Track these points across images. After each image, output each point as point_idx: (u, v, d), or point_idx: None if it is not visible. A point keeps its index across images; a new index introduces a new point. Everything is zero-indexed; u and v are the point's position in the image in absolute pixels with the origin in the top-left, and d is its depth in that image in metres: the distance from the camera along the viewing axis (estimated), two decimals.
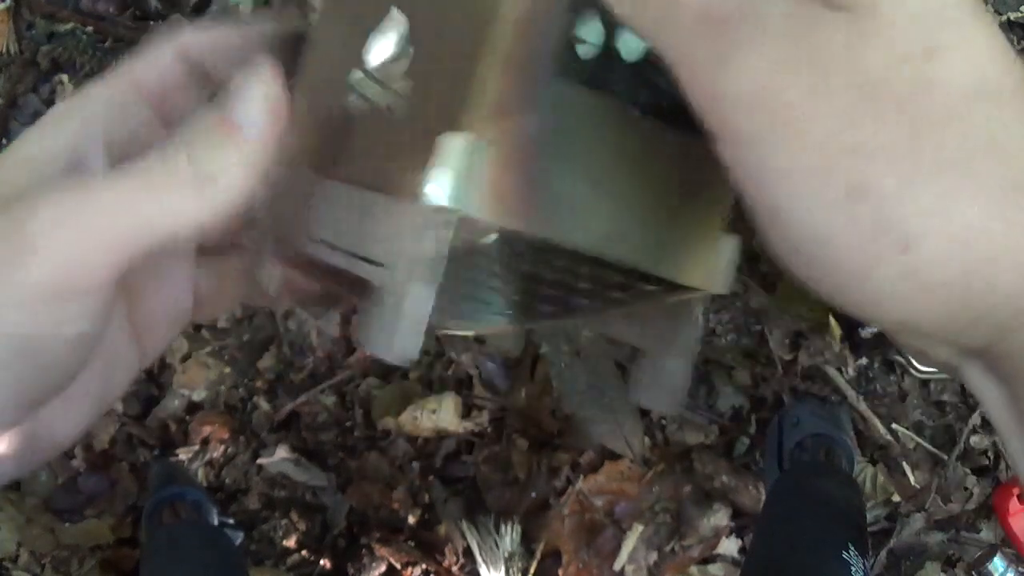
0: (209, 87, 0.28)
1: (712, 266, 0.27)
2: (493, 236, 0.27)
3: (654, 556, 1.23)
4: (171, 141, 0.23)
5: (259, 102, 0.23)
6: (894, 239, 0.18)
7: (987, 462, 1.27)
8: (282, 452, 1.25)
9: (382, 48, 0.25)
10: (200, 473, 1.26)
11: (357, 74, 0.25)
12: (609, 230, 0.24)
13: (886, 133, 0.18)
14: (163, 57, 0.28)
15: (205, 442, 1.27)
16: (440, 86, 0.23)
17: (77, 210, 0.22)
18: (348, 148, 0.26)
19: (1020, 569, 1.22)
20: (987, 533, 1.26)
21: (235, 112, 0.23)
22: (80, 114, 0.26)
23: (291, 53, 0.28)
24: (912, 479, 1.24)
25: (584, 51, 0.24)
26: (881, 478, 1.23)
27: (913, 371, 1.15)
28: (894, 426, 1.24)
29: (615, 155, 0.25)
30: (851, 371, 1.24)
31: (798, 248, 0.20)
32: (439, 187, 0.21)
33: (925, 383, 1.24)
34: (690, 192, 0.26)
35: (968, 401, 1.25)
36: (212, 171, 0.23)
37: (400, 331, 0.21)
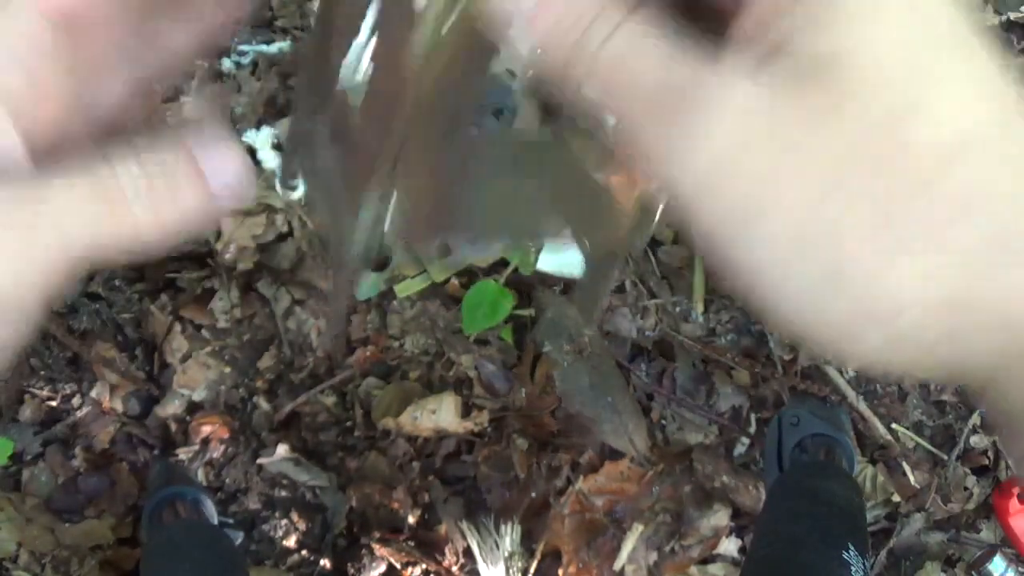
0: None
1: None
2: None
3: (654, 556, 1.23)
4: (128, 160, 0.20)
5: (233, 175, 0.21)
6: (881, 311, 0.18)
7: (987, 462, 1.27)
8: (282, 452, 1.25)
9: None
10: (200, 473, 1.26)
11: None
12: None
13: (861, 206, 0.18)
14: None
15: (205, 442, 1.27)
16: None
17: (28, 219, 0.20)
18: None
19: (1020, 569, 1.22)
20: (987, 533, 1.26)
21: (208, 173, 0.21)
22: None
23: None
24: (912, 479, 1.24)
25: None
26: (881, 478, 1.23)
27: None
28: (894, 426, 1.24)
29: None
30: (851, 371, 1.24)
31: (785, 317, 0.19)
32: None
33: (925, 383, 1.25)
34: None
35: (968, 401, 1.25)
36: (175, 218, 0.21)
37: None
